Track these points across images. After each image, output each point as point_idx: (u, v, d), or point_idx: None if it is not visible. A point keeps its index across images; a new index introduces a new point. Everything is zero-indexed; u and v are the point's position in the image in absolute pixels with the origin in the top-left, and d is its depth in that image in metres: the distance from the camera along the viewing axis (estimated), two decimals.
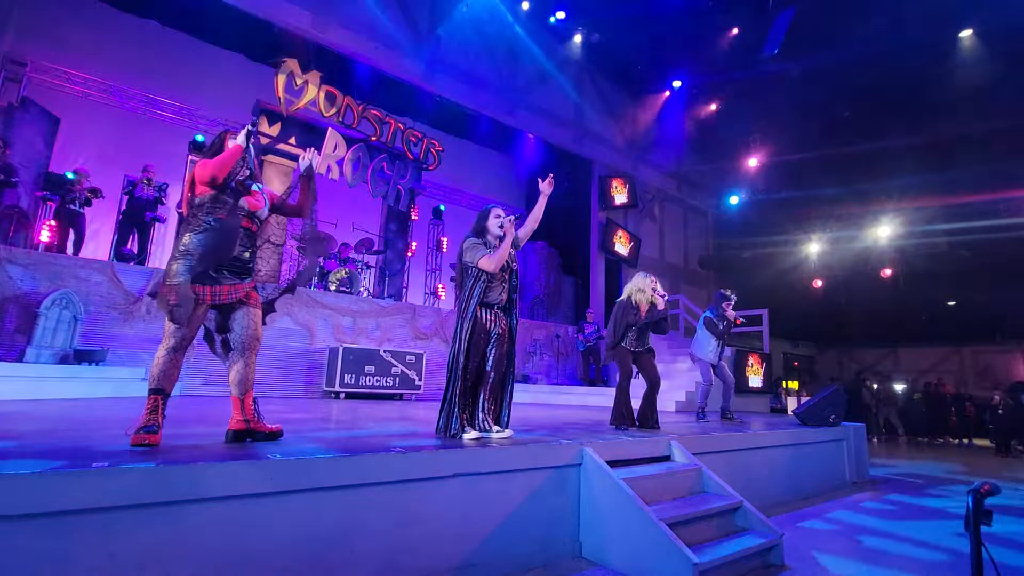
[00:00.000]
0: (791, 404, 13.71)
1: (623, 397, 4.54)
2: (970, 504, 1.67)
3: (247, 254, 2.64)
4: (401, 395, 8.29)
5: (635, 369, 4.74)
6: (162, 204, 8.03)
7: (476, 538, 2.55)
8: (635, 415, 4.63)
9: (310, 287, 8.73)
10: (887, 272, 13.87)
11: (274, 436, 2.63)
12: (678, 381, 8.66)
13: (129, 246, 7.70)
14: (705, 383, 6.13)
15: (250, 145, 2.70)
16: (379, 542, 2.26)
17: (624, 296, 4.81)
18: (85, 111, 8.74)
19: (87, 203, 7.41)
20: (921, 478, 6.50)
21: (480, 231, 3.42)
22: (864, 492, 5.30)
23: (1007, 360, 16.32)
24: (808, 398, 7.83)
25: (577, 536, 2.98)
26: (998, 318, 15.09)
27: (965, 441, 11.77)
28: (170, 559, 1.78)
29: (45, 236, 7.09)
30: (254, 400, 2.62)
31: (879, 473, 6.51)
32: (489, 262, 3.22)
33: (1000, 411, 10.99)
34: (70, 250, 7.27)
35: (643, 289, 4.72)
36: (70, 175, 7.46)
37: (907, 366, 17.86)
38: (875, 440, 11.42)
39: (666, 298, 4.80)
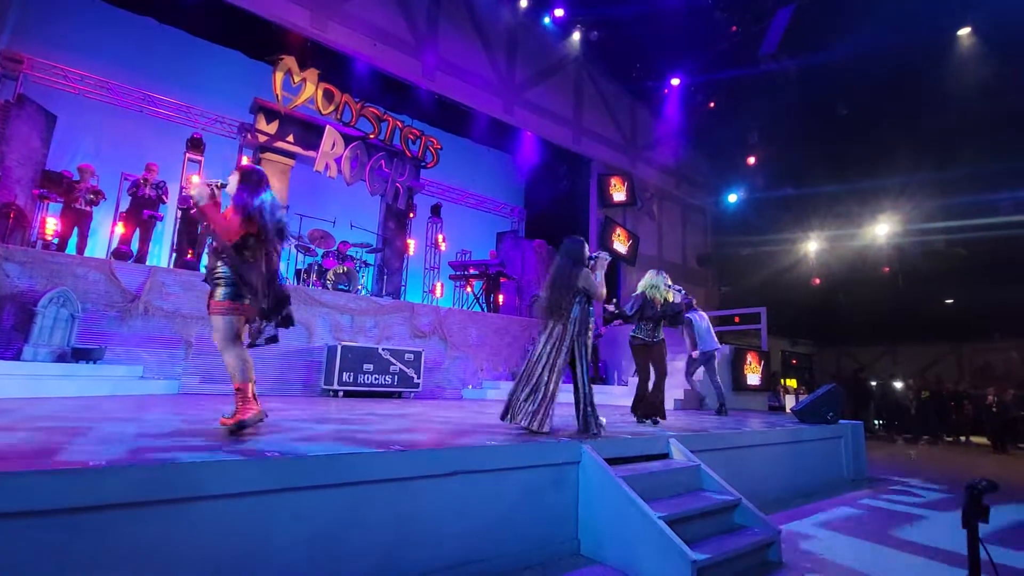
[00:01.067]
0: (789, 402, 13.72)
1: (643, 391, 4.96)
2: (967, 501, 1.67)
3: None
4: (400, 393, 8.28)
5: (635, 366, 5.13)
6: (163, 203, 8.01)
7: (475, 535, 2.56)
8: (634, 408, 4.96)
9: (309, 285, 8.72)
10: (886, 270, 13.90)
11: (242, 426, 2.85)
12: (678, 379, 8.67)
13: (129, 245, 7.68)
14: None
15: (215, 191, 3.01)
16: (378, 539, 2.26)
17: (638, 292, 5.13)
18: (82, 108, 8.71)
19: (93, 202, 7.40)
20: (919, 476, 6.52)
21: (580, 261, 3.82)
22: (862, 489, 5.31)
23: (1005, 358, 16.36)
24: (806, 396, 7.85)
25: (575, 534, 2.98)
26: (996, 316, 15.11)
27: (962, 439, 11.80)
28: (169, 557, 1.78)
29: (50, 233, 7.07)
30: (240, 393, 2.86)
31: (877, 471, 6.52)
32: (601, 294, 3.77)
33: (994, 409, 11.03)
34: (72, 248, 7.25)
35: (657, 286, 5.07)
36: (74, 172, 7.44)
37: (905, 364, 17.90)
38: (892, 433, 11.45)
39: (683, 292, 5.12)
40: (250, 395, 2.89)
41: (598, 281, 3.80)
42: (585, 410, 3.66)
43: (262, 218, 2.94)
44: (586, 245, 3.94)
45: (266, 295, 2.96)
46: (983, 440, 11.38)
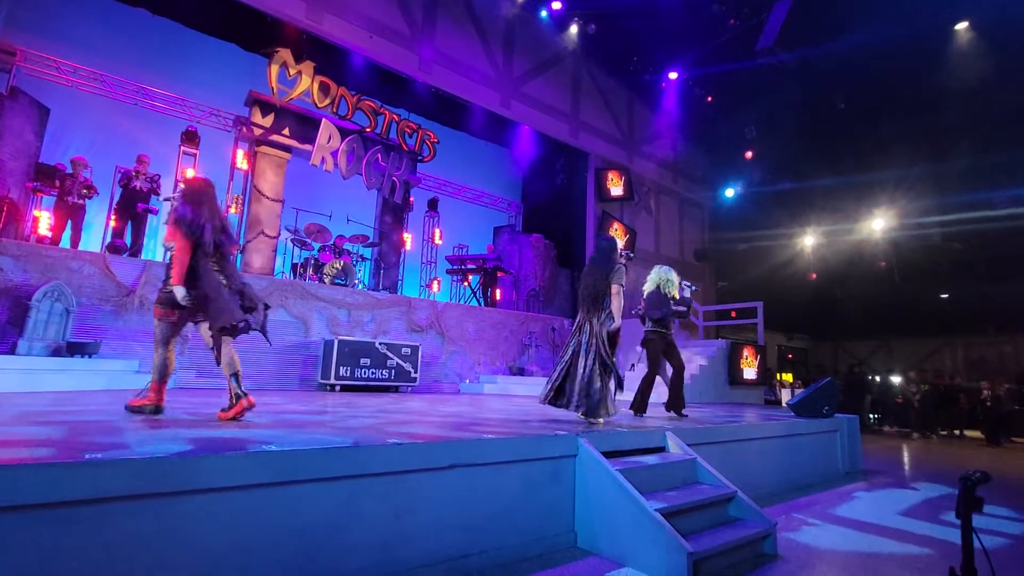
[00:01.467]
0: (785, 396, 13.79)
1: (649, 388, 5.07)
2: (961, 491, 1.69)
3: None
4: (397, 387, 8.29)
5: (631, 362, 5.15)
6: (155, 195, 7.95)
7: (472, 528, 2.56)
8: (638, 403, 5.07)
9: (305, 279, 8.69)
10: (883, 264, 13.95)
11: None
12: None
13: (123, 238, 7.63)
14: None
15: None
16: (376, 533, 2.26)
17: (652, 288, 5.25)
18: (75, 101, 8.63)
19: (87, 196, 7.34)
20: (913, 469, 6.57)
21: (613, 259, 4.09)
22: (857, 482, 5.35)
23: (998, 352, 16.48)
24: (802, 390, 7.89)
25: (572, 526, 3.00)
26: (990, 311, 15.21)
27: (956, 433, 11.88)
28: (165, 550, 1.78)
29: (44, 229, 7.00)
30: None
31: (871, 465, 6.57)
32: (619, 307, 3.97)
33: (988, 404, 11.10)
34: (66, 242, 7.20)
35: (671, 280, 5.26)
36: (68, 165, 7.37)
37: (900, 359, 18.01)
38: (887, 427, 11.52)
39: (692, 287, 5.23)
40: (162, 392, 3.25)
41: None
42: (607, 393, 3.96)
43: (194, 230, 3.04)
44: (618, 243, 4.27)
45: (219, 296, 3.07)
46: (976, 434, 11.47)
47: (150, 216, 7.95)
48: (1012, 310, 14.62)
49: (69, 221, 7.26)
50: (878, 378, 14.34)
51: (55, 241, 7.07)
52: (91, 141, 8.68)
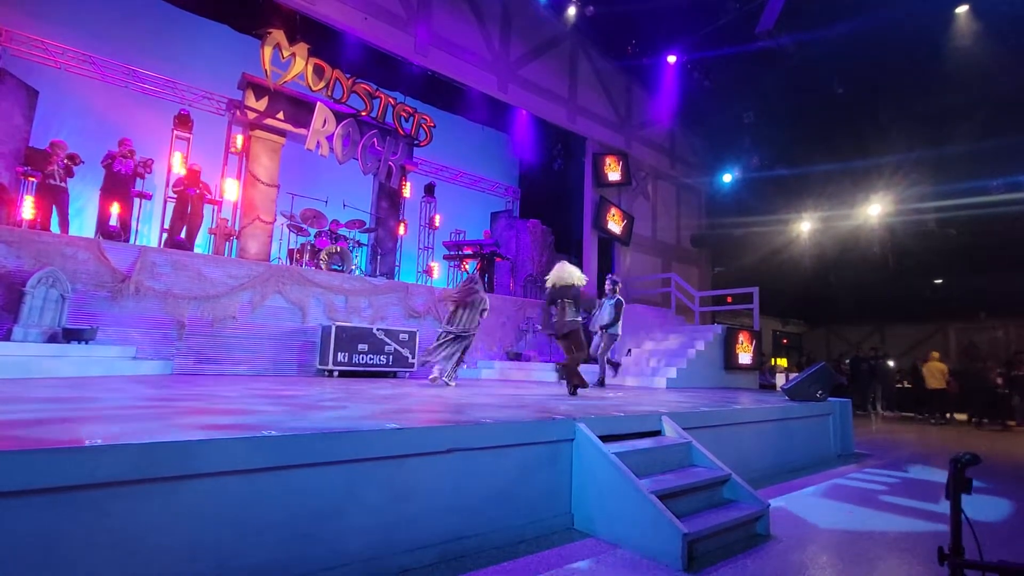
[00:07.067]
0: (779, 380, 13.90)
1: None
2: (951, 473, 1.71)
3: None
4: (395, 373, 8.32)
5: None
6: (142, 179, 7.84)
7: (470, 511, 2.59)
8: None
9: (302, 265, 8.66)
10: (878, 250, 13.97)
11: None
12: (667, 359, 8.75)
13: (112, 222, 7.54)
14: None
15: None
16: (374, 516, 2.28)
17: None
18: (65, 84, 8.48)
19: (68, 174, 7.21)
20: (904, 451, 6.67)
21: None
22: (849, 465, 5.43)
23: (990, 338, 16.63)
24: (796, 374, 7.96)
25: (569, 508, 3.04)
26: (983, 296, 15.32)
27: (947, 416, 12.01)
28: (165, 534, 1.80)
29: (28, 214, 6.90)
30: None
31: (863, 448, 6.66)
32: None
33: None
34: (55, 228, 7.11)
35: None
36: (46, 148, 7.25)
37: (893, 344, 18.16)
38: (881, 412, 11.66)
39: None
40: None
41: None
42: None
43: None
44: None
45: None
46: (963, 417, 11.64)
47: (145, 201, 7.85)
48: (1004, 296, 14.73)
49: (53, 206, 7.13)
50: (892, 363, 14.16)
51: (43, 226, 6.97)
52: (82, 124, 8.55)
